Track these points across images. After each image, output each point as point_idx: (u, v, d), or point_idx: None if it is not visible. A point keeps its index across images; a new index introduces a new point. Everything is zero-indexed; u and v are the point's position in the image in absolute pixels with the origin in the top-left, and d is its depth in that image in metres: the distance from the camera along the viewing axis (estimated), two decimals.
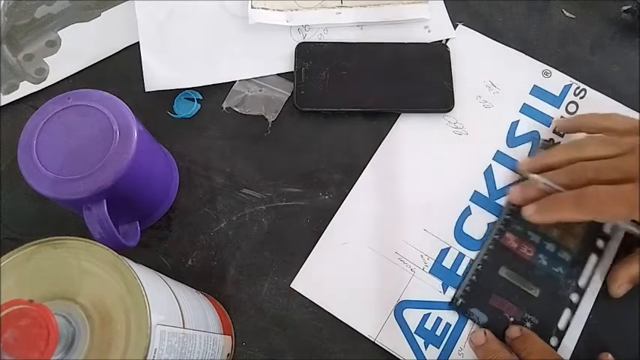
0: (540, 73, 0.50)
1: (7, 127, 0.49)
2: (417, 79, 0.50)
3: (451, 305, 0.42)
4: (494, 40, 0.52)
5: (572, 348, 0.40)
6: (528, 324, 0.40)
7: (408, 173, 0.47)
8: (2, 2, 0.55)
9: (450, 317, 0.42)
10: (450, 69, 0.50)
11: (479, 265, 0.43)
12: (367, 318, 0.42)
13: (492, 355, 0.39)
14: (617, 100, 0.49)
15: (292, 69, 0.50)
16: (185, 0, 0.53)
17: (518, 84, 0.50)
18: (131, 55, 0.51)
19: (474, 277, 0.42)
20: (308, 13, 0.52)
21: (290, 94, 0.49)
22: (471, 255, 0.43)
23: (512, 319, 0.41)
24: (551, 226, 0.43)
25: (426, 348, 0.41)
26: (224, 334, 0.39)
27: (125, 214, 0.42)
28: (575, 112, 0.49)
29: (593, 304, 0.42)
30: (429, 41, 0.52)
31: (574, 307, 0.41)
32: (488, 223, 0.44)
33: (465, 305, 0.41)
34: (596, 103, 0.49)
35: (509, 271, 0.42)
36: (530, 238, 0.43)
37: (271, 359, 0.41)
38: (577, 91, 0.49)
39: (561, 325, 0.41)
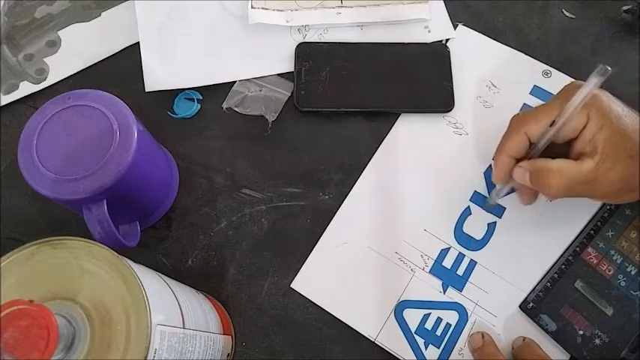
0: (540, 73, 0.50)
1: (7, 127, 0.49)
2: (417, 79, 0.50)
3: (521, 308, 0.41)
4: (494, 40, 0.52)
5: None
6: (598, 341, 0.40)
7: (408, 173, 0.47)
8: (2, 2, 0.55)
9: (450, 317, 0.42)
10: (450, 69, 0.50)
11: (555, 273, 0.42)
12: (367, 318, 0.42)
13: (488, 357, 0.39)
14: None
15: (292, 69, 0.50)
16: (185, 0, 0.53)
17: (518, 84, 0.50)
18: (131, 55, 0.51)
19: (548, 284, 0.42)
20: (308, 13, 0.52)
21: (290, 94, 0.49)
22: (471, 255, 0.44)
23: (581, 332, 0.40)
24: (637, 250, 0.42)
25: (426, 348, 0.41)
26: (224, 334, 0.39)
27: (125, 214, 0.41)
28: None
29: None
30: (429, 41, 0.51)
31: None
32: (489, 223, 0.44)
33: (535, 309, 0.41)
34: None
35: (585, 286, 0.41)
36: (613, 257, 0.42)
37: (271, 359, 0.41)
38: None
39: (631, 348, 0.40)
